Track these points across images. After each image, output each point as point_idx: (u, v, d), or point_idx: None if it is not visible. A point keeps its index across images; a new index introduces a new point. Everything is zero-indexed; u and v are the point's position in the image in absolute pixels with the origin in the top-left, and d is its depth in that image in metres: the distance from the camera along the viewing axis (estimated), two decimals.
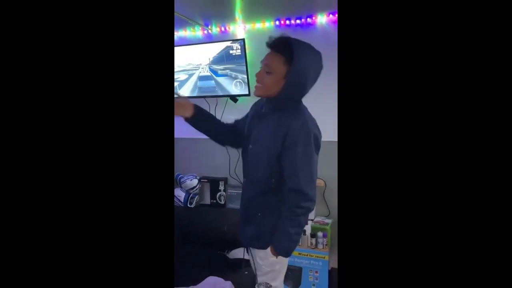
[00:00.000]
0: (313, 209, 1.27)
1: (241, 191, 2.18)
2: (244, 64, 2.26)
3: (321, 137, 1.25)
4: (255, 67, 2.36)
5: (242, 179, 2.50)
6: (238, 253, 2.36)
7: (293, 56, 1.10)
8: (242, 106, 2.43)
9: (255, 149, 1.26)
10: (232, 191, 2.53)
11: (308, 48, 1.16)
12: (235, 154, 2.52)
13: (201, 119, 1.30)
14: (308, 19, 2.26)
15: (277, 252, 1.26)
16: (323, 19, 2.24)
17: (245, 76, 2.29)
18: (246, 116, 1.40)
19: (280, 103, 1.20)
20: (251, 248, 1.37)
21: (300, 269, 2.13)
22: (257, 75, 1.19)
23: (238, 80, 2.36)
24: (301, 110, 1.21)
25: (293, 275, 2.15)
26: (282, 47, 1.13)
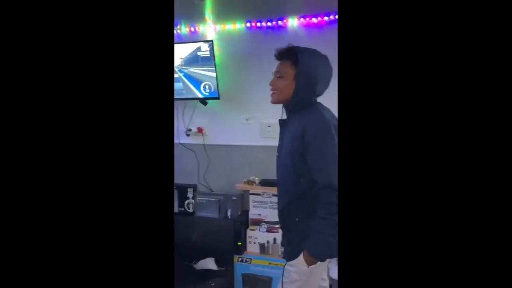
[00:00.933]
0: None
1: (211, 199, 2.10)
2: (213, 66, 2.20)
3: None
4: (224, 69, 2.37)
5: (212, 186, 2.48)
6: (206, 263, 2.29)
7: (298, 58, 1.21)
8: (212, 109, 2.39)
9: (281, 156, 1.31)
10: (201, 198, 2.43)
11: (311, 51, 1.26)
12: (204, 160, 2.45)
13: None
14: (279, 21, 2.25)
15: (312, 255, 1.18)
16: (294, 22, 2.23)
17: (215, 79, 2.22)
18: None
19: (296, 105, 1.26)
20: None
21: (270, 280, 2.07)
22: (271, 83, 1.28)
23: (206, 82, 2.29)
24: (316, 106, 1.26)
25: (263, 286, 2.09)
26: (288, 53, 1.25)
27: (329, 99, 1.28)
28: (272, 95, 1.29)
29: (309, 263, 1.19)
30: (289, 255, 1.26)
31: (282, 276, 1.28)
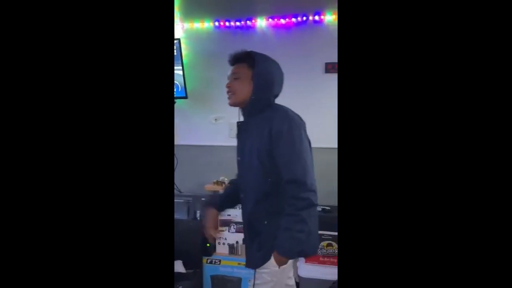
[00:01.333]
0: (316, 202, 1.14)
1: (179, 201, 2.05)
2: (180, 64, 2.19)
3: (304, 127, 1.26)
4: (192, 68, 2.35)
5: (181, 187, 2.44)
6: (175, 266, 2.22)
7: (255, 60, 1.22)
8: (180, 109, 2.36)
9: (244, 158, 1.27)
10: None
11: (266, 56, 1.28)
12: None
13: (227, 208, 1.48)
14: (247, 21, 2.29)
15: (280, 253, 1.14)
16: (263, 23, 2.28)
17: (182, 78, 2.20)
18: None
19: (255, 106, 1.24)
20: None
21: (239, 280, 2.07)
22: (228, 85, 1.27)
23: (174, 82, 2.25)
24: (278, 105, 1.27)
25: (233, 287, 2.08)
26: (243, 57, 1.25)
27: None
28: (229, 97, 1.27)
29: (280, 263, 1.16)
30: (261, 261, 1.20)
31: (254, 278, 1.24)
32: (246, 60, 1.23)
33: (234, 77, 1.24)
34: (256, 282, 1.22)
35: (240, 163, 1.30)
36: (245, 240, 1.32)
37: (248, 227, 1.28)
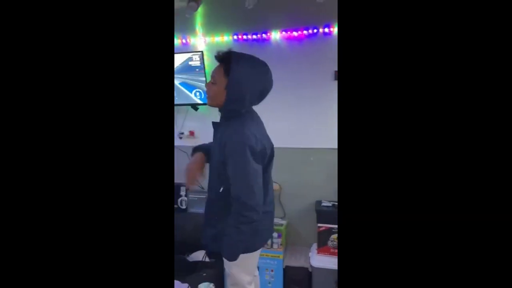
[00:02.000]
0: (257, 218, 1.21)
1: (201, 197, 2.17)
2: (203, 74, 2.35)
3: (265, 146, 1.26)
4: None
5: (203, 185, 2.57)
6: (198, 255, 2.41)
7: (230, 70, 1.15)
8: (202, 114, 2.53)
9: (210, 158, 1.33)
10: (193, 196, 2.57)
11: (247, 60, 1.19)
12: None
13: None
14: (263, 34, 2.39)
15: (224, 256, 1.28)
16: (277, 35, 2.38)
17: (205, 86, 2.37)
18: None
19: (227, 113, 1.24)
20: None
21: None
22: (206, 86, 1.27)
23: (197, 89, 2.44)
24: (242, 121, 1.22)
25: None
26: (224, 59, 1.20)
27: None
28: (207, 98, 1.28)
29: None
30: (215, 250, 1.34)
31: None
32: (224, 64, 1.18)
33: (211, 81, 1.22)
34: (228, 280, 1.37)
35: (211, 164, 1.33)
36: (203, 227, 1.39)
37: (205, 217, 1.37)
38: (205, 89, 2.30)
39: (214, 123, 1.32)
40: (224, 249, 1.26)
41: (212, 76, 1.23)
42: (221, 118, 1.29)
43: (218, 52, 1.22)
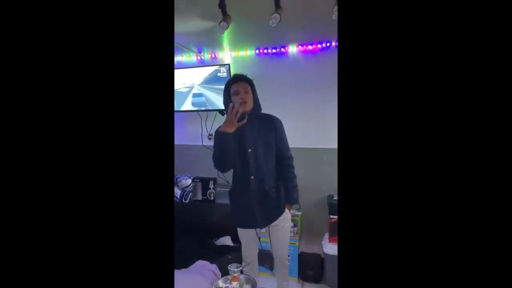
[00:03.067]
0: None
1: (227, 190, 2.27)
2: None
3: None
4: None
5: (228, 179, 2.74)
6: (224, 240, 2.62)
7: (250, 81, 1.60)
8: None
9: (258, 149, 1.58)
10: (220, 189, 2.74)
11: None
12: None
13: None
14: (282, 48, 2.54)
15: (293, 202, 1.70)
16: (294, 49, 2.52)
17: None
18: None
19: (254, 113, 1.60)
20: (271, 231, 1.70)
21: (268, 251, 2.04)
22: (243, 97, 1.55)
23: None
24: (268, 114, 1.67)
25: (270, 259, 2.10)
26: (244, 78, 1.60)
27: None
28: (244, 105, 1.52)
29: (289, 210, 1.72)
30: (275, 218, 1.68)
31: (269, 230, 1.69)
32: (246, 81, 1.58)
33: (245, 91, 1.55)
34: (285, 224, 1.69)
35: (253, 154, 1.58)
36: (254, 209, 1.62)
37: (264, 201, 1.61)
38: None
39: (246, 125, 1.55)
40: (292, 197, 1.68)
41: (245, 88, 1.57)
42: (253, 119, 1.59)
43: (236, 75, 1.62)
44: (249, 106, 1.56)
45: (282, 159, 1.67)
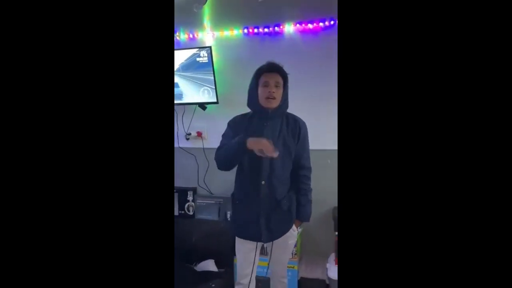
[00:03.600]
0: None
1: (210, 202, 2.15)
2: (212, 71, 2.26)
3: None
4: (222, 74, 2.43)
5: (211, 189, 2.52)
6: (207, 265, 2.34)
7: (285, 74, 1.51)
8: (211, 114, 2.45)
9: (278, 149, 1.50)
10: (201, 201, 2.48)
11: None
12: (204, 163, 2.49)
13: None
14: (276, 28, 2.33)
15: (305, 219, 1.65)
16: (291, 28, 2.31)
17: (213, 83, 2.28)
18: (230, 133, 1.60)
19: (281, 110, 1.54)
20: (274, 247, 1.62)
21: (268, 280, 2.10)
22: (273, 92, 1.48)
23: (205, 87, 2.35)
24: (292, 114, 1.61)
25: (262, 286, 2.12)
26: (278, 68, 1.51)
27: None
28: (271, 102, 1.48)
29: (298, 227, 1.66)
30: (281, 233, 1.61)
31: (272, 246, 1.61)
32: (279, 72, 1.49)
33: (276, 85, 1.47)
34: (290, 241, 1.63)
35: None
36: (260, 219, 1.53)
37: (271, 206, 1.54)
38: (213, 86, 2.33)
39: (267, 123, 1.52)
40: (305, 213, 1.63)
41: (277, 82, 1.49)
42: (274, 116, 1.53)
43: (271, 63, 1.52)
44: (276, 102, 1.50)
45: (300, 168, 1.61)
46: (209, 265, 2.34)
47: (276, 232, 1.57)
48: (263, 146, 1.37)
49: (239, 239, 1.63)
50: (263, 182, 1.51)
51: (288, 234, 1.60)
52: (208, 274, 2.27)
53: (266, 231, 1.54)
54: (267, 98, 1.46)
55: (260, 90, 1.48)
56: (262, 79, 1.48)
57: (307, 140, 1.61)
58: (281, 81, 1.49)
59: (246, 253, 1.63)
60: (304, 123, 1.59)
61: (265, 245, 1.64)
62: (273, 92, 1.46)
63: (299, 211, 1.61)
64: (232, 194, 1.67)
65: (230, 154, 1.49)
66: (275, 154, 1.38)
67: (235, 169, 1.63)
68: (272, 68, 1.49)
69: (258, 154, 1.38)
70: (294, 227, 1.62)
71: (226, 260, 2.24)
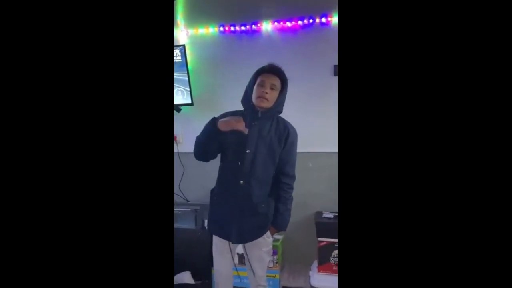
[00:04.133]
0: None
1: (186, 210, 2.06)
2: (186, 71, 2.19)
3: None
4: (197, 74, 2.35)
5: (187, 197, 2.42)
6: (182, 277, 2.26)
7: (285, 78, 1.50)
8: (186, 116, 2.38)
9: (259, 153, 1.51)
10: (176, 209, 2.37)
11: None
12: (179, 169, 2.39)
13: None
14: (253, 26, 2.30)
15: (281, 228, 1.62)
16: (269, 26, 2.29)
17: (187, 84, 2.20)
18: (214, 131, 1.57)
19: (271, 113, 1.52)
20: (247, 247, 1.60)
21: None
22: (267, 93, 1.47)
23: (179, 88, 2.27)
24: (282, 118, 1.60)
25: None
26: (277, 69, 1.50)
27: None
28: (262, 102, 1.47)
29: (273, 234, 1.64)
30: (255, 236, 1.58)
31: (252, 268, 1.61)
32: (278, 74, 1.48)
33: (271, 87, 1.47)
34: (264, 249, 1.61)
35: (252, 155, 1.51)
36: (232, 220, 1.54)
37: (250, 210, 1.53)
38: (187, 87, 2.26)
39: (255, 123, 1.51)
40: (283, 222, 1.61)
41: (273, 84, 1.49)
42: (264, 118, 1.51)
43: (275, 65, 1.52)
44: (269, 104, 1.49)
45: (283, 175, 1.60)
46: (185, 277, 2.25)
47: (247, 235, 1.56)
48: (233, 125, 1.43)
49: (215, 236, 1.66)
50: (241, 182, 1.50)
51: (261, 240, 1.58)
52: (184, 287, 2.19)
53: (236, 233, 1.54)
54: (259, 97, 1.46)
55: (255, 89, 1.49)
56: (259, 79, 1.49)
57: (295, 148, 1.60)
58: (278, 84, 1.50)
59: (219, 251, 1.65)
60: (294, 131, 1.59)
61: (243, 253, 1.63)
62: (266, 92, 1.47)
63: (276, 218, 1.60)
64: (212, 190, 1.67)
65: (203, 139, 1.53)
66: (246, 131, 1.44)
67: (217, 166, 1.62)
68: (272, 70, 1.50)
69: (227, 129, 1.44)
70: (268, 233, 1.61)
71: (204, 271, 2.16)
